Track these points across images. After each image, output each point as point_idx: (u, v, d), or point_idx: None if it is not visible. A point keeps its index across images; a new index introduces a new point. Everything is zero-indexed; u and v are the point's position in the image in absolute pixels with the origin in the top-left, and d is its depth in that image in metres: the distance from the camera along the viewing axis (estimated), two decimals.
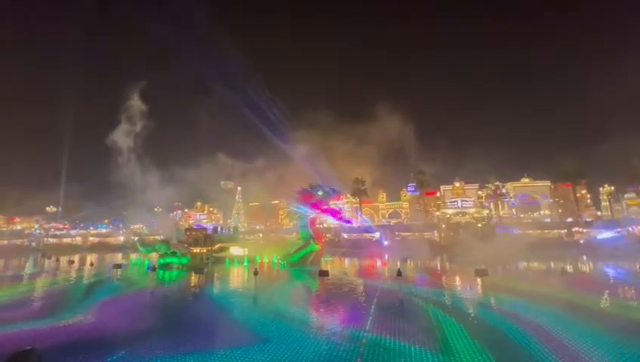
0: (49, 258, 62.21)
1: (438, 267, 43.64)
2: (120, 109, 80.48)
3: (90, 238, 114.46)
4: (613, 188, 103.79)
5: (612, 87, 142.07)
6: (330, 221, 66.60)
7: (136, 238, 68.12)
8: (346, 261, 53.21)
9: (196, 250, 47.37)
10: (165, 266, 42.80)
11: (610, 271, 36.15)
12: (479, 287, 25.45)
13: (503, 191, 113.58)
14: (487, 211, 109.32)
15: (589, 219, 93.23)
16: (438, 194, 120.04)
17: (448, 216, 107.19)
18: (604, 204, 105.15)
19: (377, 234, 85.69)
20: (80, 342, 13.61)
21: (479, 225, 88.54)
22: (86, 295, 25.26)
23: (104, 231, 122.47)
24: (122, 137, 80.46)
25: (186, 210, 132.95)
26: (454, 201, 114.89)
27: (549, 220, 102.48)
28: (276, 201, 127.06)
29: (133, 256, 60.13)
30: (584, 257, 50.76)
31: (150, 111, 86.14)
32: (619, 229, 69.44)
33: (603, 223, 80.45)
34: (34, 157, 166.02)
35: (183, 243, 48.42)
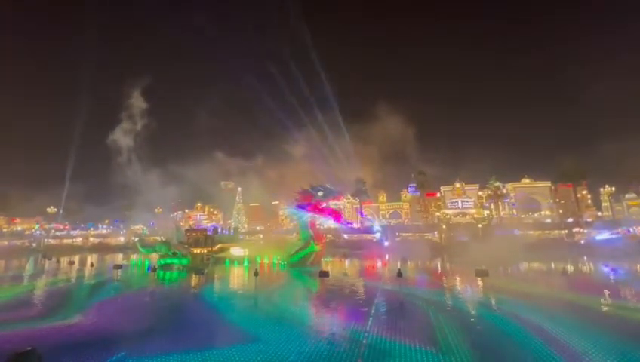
0: (49, 259, 62.23)
1: (439, 267, 43.59)
2: (124, 109, 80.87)
3: (91, 239, 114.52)
4: (613, 188, 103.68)
5: (612, 88, 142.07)
6: (331, 222, 66.65)
7: (136, 239, 68.22)
8: (347, 262, 53.15)
9: (196, 250, 47.38)
10: (166, 267, 42.79)
11: (608, 272, 36.17)
12: (480, 288, 25.39)
13: (504, 191, 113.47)
14: (487, 212, 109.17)
15: (589, 220, 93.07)
16: (438, 194, 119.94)
17: (449, 216, 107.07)
18: (605, 204, 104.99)
19: (378, 235, 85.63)
20: (80, 342, 13.61)
21: (479, 225, 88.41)
22: (86, 296, 25.28)
23: (104, 232, 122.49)
24: (124, 138, 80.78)
25: (186, 211, 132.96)
26: (455, 202, 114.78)
27: (549, 221, 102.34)
28: (276, 202, 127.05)
29: (134, 257, 60.15)
30: (585, 258, 50.69)
31: (150, 112, 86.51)
32: (615, 230, 69.35)
33: (603, 224, 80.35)
34: (34, 158, 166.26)
35: (184, 243, 48.43)
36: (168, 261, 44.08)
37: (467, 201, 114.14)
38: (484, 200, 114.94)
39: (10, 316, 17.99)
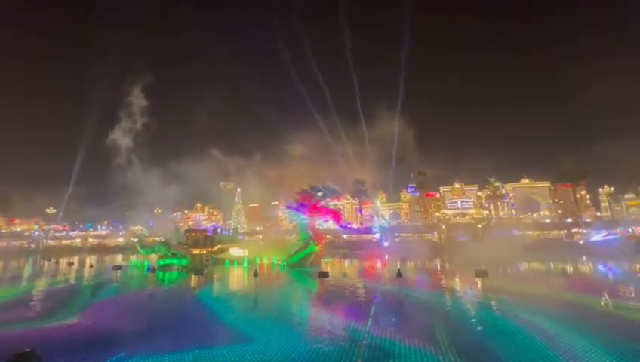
0: (48, 260, 62.07)
1: (438, 268, 43.61)
2: (123, 107, 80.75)
3: (90, 240, 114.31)
4: (612, 188, 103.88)
5: (611, 88, 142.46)
6: (330, 222, 66.57)
7: (135, 240, 68.13)
8: (346, 262, 53.12)
9: (196, 251, 47.32)
10: (165, 268, 42.72)
11: (606, 271, 36.27)
12: (479, 288, 25.39)
13: (503, 191, 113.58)
14: (486, 212, 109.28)
15: (588, 220, 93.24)
16: (437, 195, 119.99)
17: (448, 217, 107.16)
18: (604, 204, 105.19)
19: (377, 235, 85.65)
20: (79, 343, 13.58)
21: (479, 226, 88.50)
22: (85, 296, 25.20)
23: (104, 232, 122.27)
24: (123, 138, 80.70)
25: (185, 211, 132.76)
26: (454, 202, 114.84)
27: (548, 221, 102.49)
28: (276, 202, 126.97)
29: (133, 258, 60.04)
30: (584, 258, 50.78)
31: (149, 112, 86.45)
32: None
33: (602, 224, 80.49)
34: (33, 159, 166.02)
35: (183, 244, 48.37)
36: (168, 262, 44.01)
37: (466, 202, 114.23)
38: (483, 201, 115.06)
39: (9, 317, 17.94)
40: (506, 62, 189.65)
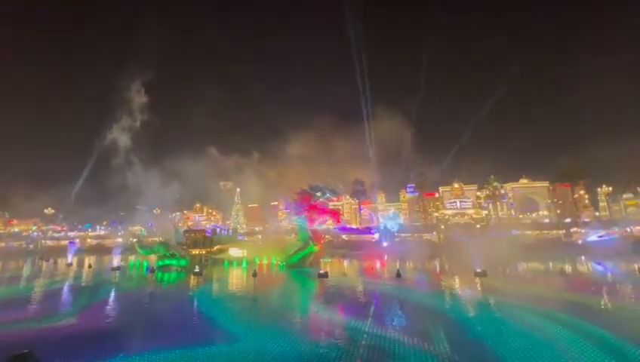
0: (47, 260, 61.89)
1: (437, 268, 43.64)
2: (122, 106, 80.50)
3: (89, 240, 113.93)
4: (611, 188, 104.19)
5: (611, 88, 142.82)
6: (330, 222, 66.47)
7: (134, 240, 67.95)
8: (345, 262, 53.11)
9: (195, 251, 47.21)
10: (164, 268, 42.59)
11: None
12: (478, 288, 25.40)
13: (502, 191, 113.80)
14: (485, 212, 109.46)
15: (587, 220, 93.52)
16: (437, 195, 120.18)
17: (447, 217, 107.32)
18: (602, 204, 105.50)
19: (377, 235, 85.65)
20: (77, 344, 13.54)
21: (478, 226, 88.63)
22: (83, 297, 25.12)
23: (102, 233, 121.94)
24: (122, 138, 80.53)
25: (185, 212, 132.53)
26: (453, 202, 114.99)
27: (547, 221, 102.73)
28: (275, 203, 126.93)
29: (132, 258, 59.86)
30: (582, 257, 50.91)
31: (148, 112, 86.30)
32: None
33: (601, 224, 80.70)
34: (32, 160, 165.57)
35: (182, 245, 48.24)
36: (167, 262, 43.87)
37: (465, 202, 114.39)
38: (482, 201, 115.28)
39: (7, 317, 17.87)
40: (506, 64, 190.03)
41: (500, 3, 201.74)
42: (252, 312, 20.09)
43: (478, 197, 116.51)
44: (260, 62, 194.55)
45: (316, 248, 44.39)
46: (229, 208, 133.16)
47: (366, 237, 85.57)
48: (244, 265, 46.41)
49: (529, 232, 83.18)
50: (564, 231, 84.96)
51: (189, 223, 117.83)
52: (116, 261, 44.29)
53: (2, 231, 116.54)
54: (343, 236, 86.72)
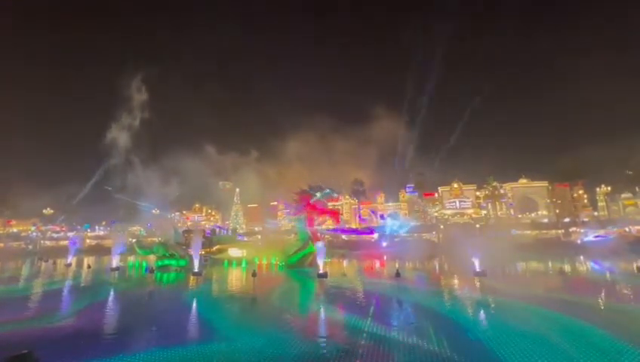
0: (46, 261, 61.77)
1: (437, 268, 43.68)
2: (121, 105, 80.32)
3: (88, 241, 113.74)
4: (609, 188, 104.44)
5: (610, 89, 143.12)
6: (329, 222, 66.52)
7: (134, 240, 67.85)
8: (345, 262, 53.12)
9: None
10: (163, 268, 42.56)
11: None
12: (478, 288, 25.43)
13: (501, 191, 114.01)
14: (484, 212, 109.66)
15: (586, 219, 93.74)
16: (436, 195, 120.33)
17: (446, 216, 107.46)
18: (601, 204, 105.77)
19: (376, 235, 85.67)
20: (77, 344, 13.52)
21: (477, 225, 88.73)
22: (82, 298, 25.09)
23: (102, 233, 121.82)
24: (121, 138, 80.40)
25: (184, 212, 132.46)
26: (452, 202, 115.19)
27: (546, 220, 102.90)
28: (275, 203, 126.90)
29: (131, 259, 59.76)
30: (581, 257, 51.02)
31: (148, 112, 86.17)
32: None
33: (600, 223, 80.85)
34: (31, 160, 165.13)
35: (181, 245, 48.17)
36: (166, 262, 43.84)
37: (465, 201, 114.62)
38: (481, 201, 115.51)
39: (6, 317, 17.83)
40: (505, 64, 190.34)
41: (500, 6, 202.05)
42: (252, 312, 20.08)
43: (477, 197, 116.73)
44: (261, 61, 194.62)
45: (314, 248, 44.37)
46: (229, 208, 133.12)
47: (365, 237, 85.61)
48: (243, 265, 46.38)
49: (528, 232, 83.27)
50: (563, 230, 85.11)
51: (189, 223, 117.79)
52: (115, 261, 44.18)
53: (1, 232, 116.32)
54: (343, 236, 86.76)
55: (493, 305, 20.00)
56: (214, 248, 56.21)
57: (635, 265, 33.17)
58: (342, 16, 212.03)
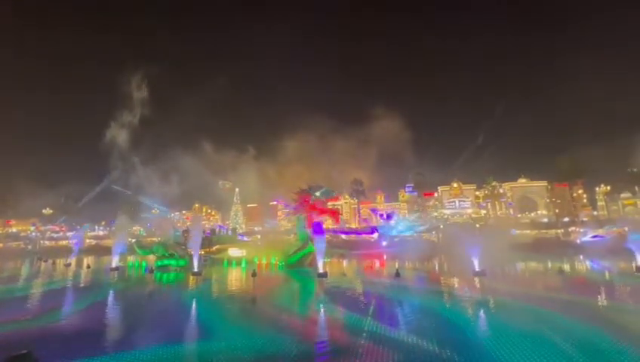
0: (45, 261, 61.71)
1: (436, 267, 43.72)
2: (121, 104, 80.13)
3: (87, 241, 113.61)
4: (609, 188, 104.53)
5: (609, 89, 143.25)
6: (329, 222, 66.46)
7: (133, 240, 67.76)
8: (345, 262, 53.14)
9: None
10: (163, 268, 42.54)
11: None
12: (477, 288, 25.46)
13: (501, 191, 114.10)
14: (484, 211, 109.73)
15: (585, 219, 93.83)
16: (435, 194, 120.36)
17: (446, 216, 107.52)
18: (601, 203, 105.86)
19: (376, 235, 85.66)
20: (76, 344, 13.51)
21: (477, 225, 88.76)
22: (82, 298, 25.07)
23: (101, 233, 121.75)
24: (121, 138, 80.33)
25: (183, 212, 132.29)
26: (452, 202, 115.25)
27: (546, 220, 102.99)
28: (274, 202, 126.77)
29: (131, 259, 59.72)
30: (581, 256, 51.10)
31: (147, 111, 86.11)
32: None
33: (599, 223, 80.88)
34: (30, 160, 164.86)
35: (181, 244, 48.13)
36: (165, 262, 43.81)
37: (464, 201, 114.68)
38: (481, 200, 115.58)
39: (5, 318, 17.82)
40: (504, 65, 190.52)
41: (500, 6, 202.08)
42: (251, 312, 20.06)
43: (476, 197, 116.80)
44: (261, 61, 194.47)
45: (314, 248, 44.35)
46: (229, 208, 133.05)
47: (365, 236, 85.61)
48: (243, 264, 46.38)
49: (528, 232, 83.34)
50: (562, 230, 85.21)
51: (188, 223, 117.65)
52: (115, 261, 44.15)
53: (0, 232, 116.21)
54: (342, 236, 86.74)
55: (492, 305, 20.02)
56: (214, 248, 56.19)
57: (634, 265, 33.21)
58: (342, 16, 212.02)
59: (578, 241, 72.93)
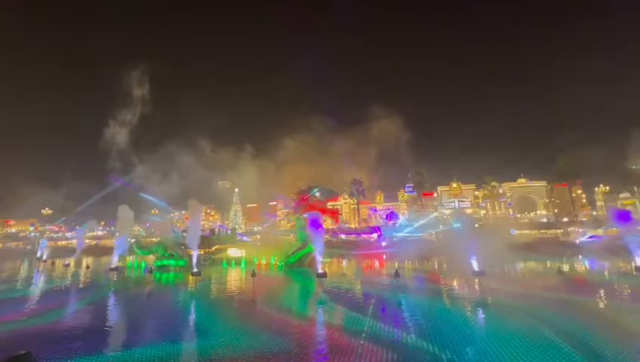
0: (44, 261, 61.56)
1: (436, 267, 43.74)
2: (120, 103, 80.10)
3: (86, 241, 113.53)
4: (608, 188, 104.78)
5: (608, 89, 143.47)
6: (329, 222, 66.53)
7: (133, 240, 67.70)
8: (344, 262, 53.14)
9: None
10: (162, 268, 42.50)
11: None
12: (477, 288, 25.48)
13: (500, 191, 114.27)
14: (483, 211, 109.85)
15: (584, 219, 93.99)
16: (435, 194, 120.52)
17: (446, 216, 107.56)
18: (600, 203, 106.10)
19: (375, 235, 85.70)
20: (76, 344, 13.47)
21: (476, 225, 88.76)
22: (81, 298, 25.04)
23: (100, 233, 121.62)
24: (120, 137, 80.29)
25: (183, 212, 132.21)
26: (451, 202, 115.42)
27: (545, 220, 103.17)
28: (274, 202, 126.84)
29: (130, 259, 59.65)
30: (580, 256, 51.15)
31: (146, 110, 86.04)
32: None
33: (598, 223, 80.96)
34: (29, 159, 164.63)
35: (180, 245, 48.08)
36: (165, 262, 43.77)
37: (464, 201, 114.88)
38: (480, 200, 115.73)
39: (4, 318, 17.79)
40: (504, 62, 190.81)
41: (499, 2, 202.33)
42: (251, 312, 20.05)
43: (476, 197, 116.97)
44: (262, 60, 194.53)
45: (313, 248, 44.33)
46: (228, 208, 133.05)
47: (364, 236, 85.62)
48: (242, 265, 46.36)
49: (527, 231, 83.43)
50: (561, 230, 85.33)
51: (188, 224, 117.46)
52: (114, 261, 44.11)
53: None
54: (342, 236, 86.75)
55: (492, 305, 20.04)
56: (213, 248, 56.12)
57: (633, 265, 33.26)
58: (342, 15, 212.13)
59: (577, 241, 73.03)
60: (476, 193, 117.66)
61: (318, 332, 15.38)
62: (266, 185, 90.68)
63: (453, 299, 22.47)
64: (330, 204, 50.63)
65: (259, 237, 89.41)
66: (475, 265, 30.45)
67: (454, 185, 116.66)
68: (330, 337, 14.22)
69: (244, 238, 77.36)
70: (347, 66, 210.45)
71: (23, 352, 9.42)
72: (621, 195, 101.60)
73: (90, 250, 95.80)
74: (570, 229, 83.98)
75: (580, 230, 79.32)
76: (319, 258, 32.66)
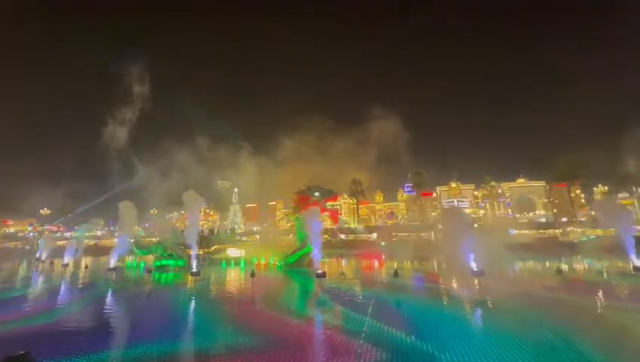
0: (43, 261, 61.48)
1: (435, 267, 43.79)
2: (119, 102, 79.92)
3: (86, 241, 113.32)
4: (606, 188, 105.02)
5: (607, 88, 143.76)
6: (328, 222, 66.53)
7: (132, 240, 67.61)
8: (344, 262, 53.17)
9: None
10: (162, 268, 42.46)
11: (599, 269, 36.51)
12: (476, 288, 25.52)
13: (499, 191, 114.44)
14: (483, 211, 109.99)
15: (583, 219, 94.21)
16: (434, 194, 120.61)
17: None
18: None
19: (374, 235, 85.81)
20: (75, 344, 13.47)
21: (476, 225, 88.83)
22: (80, 298, 25.02)
23: (99, 233, 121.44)
24: (119, 137, 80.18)
25: (182, 212, 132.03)
26: (451, 202, 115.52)
27: (544, 220, 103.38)
28: (273, 202, 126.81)
29: (129, 259, 59.59)
30: (579, 256, 51.27)
31: (146, 110, 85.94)
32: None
33: (597, 223, 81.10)
34: (28, 159, 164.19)
35: (180, 245, 48.04)
36: (164, 262, 43.73)
37: (463, 201, 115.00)
38: (479, 200, 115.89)
39: (4, 318, 17.77)
40: (504, 63, 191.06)
41: (499, 3, 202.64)
42: (250, 312, 20.06)
43: (475, 197, 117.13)
44: (261, 60, 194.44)
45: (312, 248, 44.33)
46: (227, 208, 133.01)
47: (364, 236, 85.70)
48: (242, 265, 46.35)
49: (526, 231, 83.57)
50: (560, 230, 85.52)
51: (187, 223, 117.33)
52: (113, 261, 44.04)
53: None
54: (341, 236, 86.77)
55: (491, 305, 20.08)
56: (212, 248, 56.11)
57: (631, 265, 33.35)
58: (342, 15, 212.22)
59: (576, 241, 73.16)
60: (475, 193, 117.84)
61: (317, 332, 15.39)
62: (266, 185, 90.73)
63: (452, 298, 22.50)
64: (329, 204, 50.61)
65: (258, 237, 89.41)
66: (474, 265, 30.48)
67: (453, 185, 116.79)
68: (330, 337, 14.23)
69: (242, 238, 77.30)
70: (347, 66, 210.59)
71: (23, 352, 9.42)
72: (620, 195, 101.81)
73: (89, 250, 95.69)
74: (568, 229, 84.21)
75: (579, 230, 79.58)
76: (318, 258, 32.69)
